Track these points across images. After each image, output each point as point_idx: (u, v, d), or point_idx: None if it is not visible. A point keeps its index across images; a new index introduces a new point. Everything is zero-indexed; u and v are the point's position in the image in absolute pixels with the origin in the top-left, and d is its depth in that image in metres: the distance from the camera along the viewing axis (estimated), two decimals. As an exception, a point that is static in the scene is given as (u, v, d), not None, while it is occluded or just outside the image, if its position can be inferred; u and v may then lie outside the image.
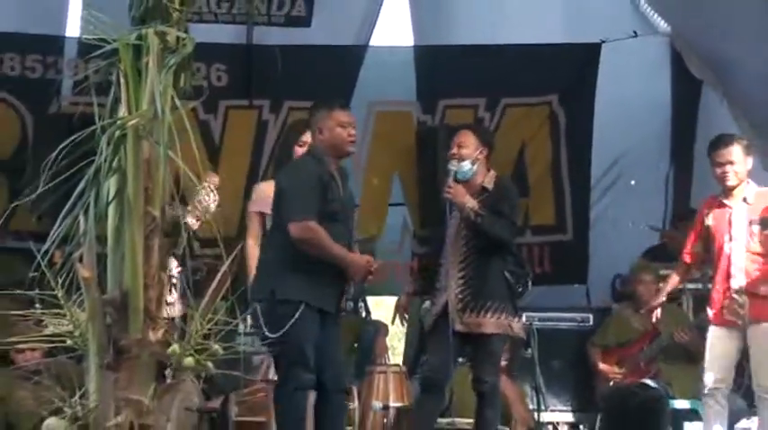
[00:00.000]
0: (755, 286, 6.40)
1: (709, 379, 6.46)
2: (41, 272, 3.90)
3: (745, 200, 6.54)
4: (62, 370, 4.48)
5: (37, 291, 4.03)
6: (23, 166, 8.81)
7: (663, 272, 8.05)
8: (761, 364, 6.38)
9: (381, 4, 9.78)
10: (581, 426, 8.55)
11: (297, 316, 5.59)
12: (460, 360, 6.40)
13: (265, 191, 6.40)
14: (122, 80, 3.83)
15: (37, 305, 3.99)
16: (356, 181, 8.13)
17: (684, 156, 9.55)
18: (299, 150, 6.35)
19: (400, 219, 9.65)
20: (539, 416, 7.85)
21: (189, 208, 5.98)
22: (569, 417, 8.68)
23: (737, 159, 6.53)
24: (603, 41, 9.35)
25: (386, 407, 7.01)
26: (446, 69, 9.47)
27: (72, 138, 3.78)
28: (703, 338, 6.76)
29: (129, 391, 3.68)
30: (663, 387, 7.51)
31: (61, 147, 3.75)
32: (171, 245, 3.95)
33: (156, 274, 3.81)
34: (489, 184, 6.38)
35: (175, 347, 3.77)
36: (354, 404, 6.71)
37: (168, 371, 3.78)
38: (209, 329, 3.82)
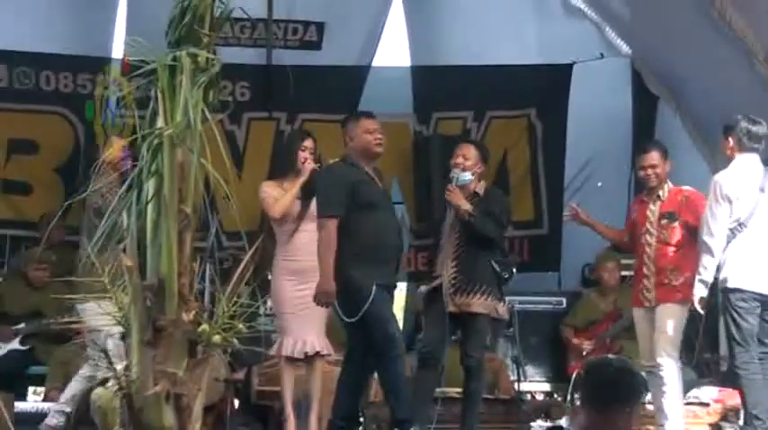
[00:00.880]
0: (664, 273, 6.36)
1: (642, 362, 6.36)
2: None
3: (659, 197, 6.50)
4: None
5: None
6: (77, 170, 8.84)
7: (624, 261, 8.05)
8: (657, 342, 6.30)
9: (382, 30, 9.78)
10: (555, 394, 8.55)
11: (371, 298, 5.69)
12: (453, 338, 6.37)
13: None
14: (160, 96, 3.82)
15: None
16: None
17: (643, 161, 9.54)
18: (302, 155, 6.39)
19: (398, 217, 9.62)
20: (519, 385, 7.87)
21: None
22: (545, 387, 8.70)
23: (658, 163, 6.51)
24: (574, 62, 9.38)
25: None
26: (439, 86, 9.46)
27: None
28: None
29: (166, 365, 3.66)
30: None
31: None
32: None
33: (188, 263, 3.80)
34: (480, 191, 6.42)
35: (205, 327, 3.77)
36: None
37: (199, 347, 3.77)
38: (235, 311, 3.81)
